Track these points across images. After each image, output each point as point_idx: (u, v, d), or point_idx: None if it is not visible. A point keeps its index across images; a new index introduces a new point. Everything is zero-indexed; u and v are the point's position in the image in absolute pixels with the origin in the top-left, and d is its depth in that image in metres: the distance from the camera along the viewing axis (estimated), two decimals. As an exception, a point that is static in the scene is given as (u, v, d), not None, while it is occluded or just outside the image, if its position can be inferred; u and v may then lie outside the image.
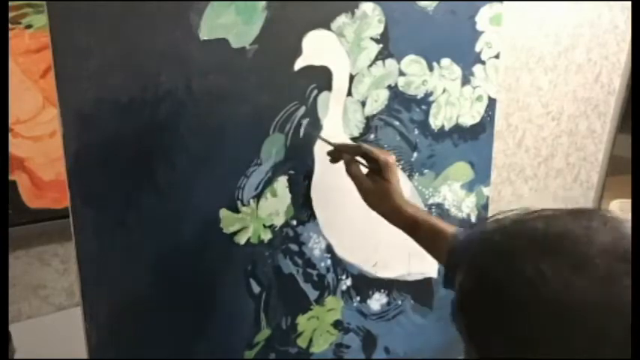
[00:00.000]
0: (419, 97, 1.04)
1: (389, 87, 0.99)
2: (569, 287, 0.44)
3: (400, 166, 1.04)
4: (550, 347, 0.45)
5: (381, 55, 0.97)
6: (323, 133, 0.93)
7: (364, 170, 0.90)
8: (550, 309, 0.45)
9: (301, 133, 0.91)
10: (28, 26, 1.05)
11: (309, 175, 0.94)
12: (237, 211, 0.88)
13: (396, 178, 0.88)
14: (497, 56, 1.11)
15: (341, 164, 0.91)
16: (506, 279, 0.48)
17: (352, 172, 0.89)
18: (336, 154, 0.91)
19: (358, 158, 0.90)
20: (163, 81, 0.77)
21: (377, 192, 0.87)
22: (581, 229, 0.47)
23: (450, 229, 0.83)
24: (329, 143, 0.92)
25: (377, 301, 1.08)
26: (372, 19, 0.94)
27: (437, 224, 0.85)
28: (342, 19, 0.91)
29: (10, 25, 1.02)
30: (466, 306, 0.52)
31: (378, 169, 0.88)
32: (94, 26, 0.71)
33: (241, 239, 0.89)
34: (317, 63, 0.90)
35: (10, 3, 1.02)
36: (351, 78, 0.94)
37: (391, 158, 0.88)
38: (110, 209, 0.77)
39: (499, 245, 0.50)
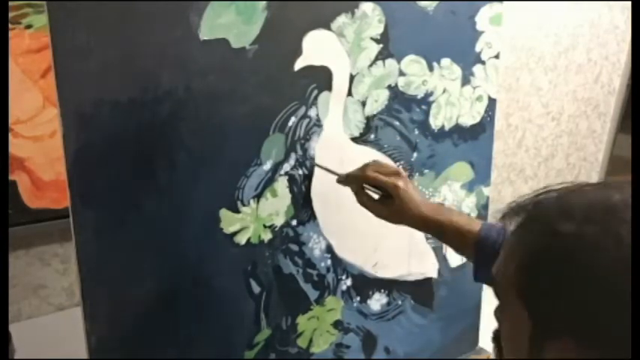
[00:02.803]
0: (419, 97, 1.03)
1: (389, 87, 0.99)
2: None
3: (400, 166, 1.04)
4: (614, 311, 0.46)
5: (381, 55, 0.97)
6: (323, 133, 0.93)
7: (375, 196, 0.89)
8: (620, 273, 0.46)
9: (301, 133, 0.91)
10: (28, 26, 1.05)
11: (309, 175, 0.94)
12: (237, 211, 0.88)
13: (409, 193, 0.86)
14: (497, 56, 1.11)
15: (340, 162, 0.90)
16: (583, 241, 0.48)
17: (363, 203, 0.89)
18: (344, 183, 0.91)
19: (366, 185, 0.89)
20: (163, 81, 0.77)
21: (392, 213, 0.88)
22: None
23: (475, 226, 0.84)
24: (333, 173, 0.91)
25: (377, 301, 1.08)
26: (372, 19, 0.94)
27: (462, 226, 0.85)
28: (342, 19, 0.90)
29: (10, 25, 1.02)
30: (531, 268, 0.52)
31: (388, 193, 0.87)
32: (94, 26, 0.71)
33: (241, 239, 0.89)
34: (317, 63, 0.90)
35: (10, 3, 1.02)
36: (351, 78, 0.94)
37: (399, 180, 0.86)
38: (110, 209, 0.77)
39: (578, 208, 0.50)
